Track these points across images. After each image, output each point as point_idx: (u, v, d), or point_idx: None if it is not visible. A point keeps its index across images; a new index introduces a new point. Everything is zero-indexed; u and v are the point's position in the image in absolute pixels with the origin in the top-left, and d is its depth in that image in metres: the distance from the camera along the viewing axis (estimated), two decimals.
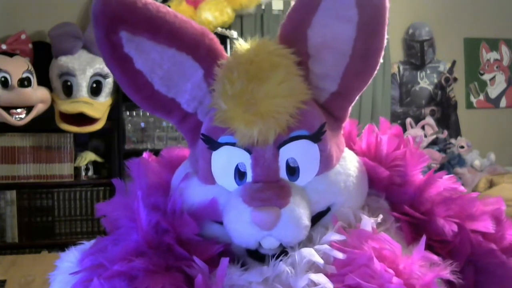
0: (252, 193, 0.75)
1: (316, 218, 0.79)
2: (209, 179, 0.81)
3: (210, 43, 0.82)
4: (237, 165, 0.79)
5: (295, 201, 0.75)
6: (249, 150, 0.77)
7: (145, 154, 0.96)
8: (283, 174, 0.78)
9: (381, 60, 0.81)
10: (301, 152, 0.78)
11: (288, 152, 0.78)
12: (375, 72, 0.82)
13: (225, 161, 0.79)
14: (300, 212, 0.75)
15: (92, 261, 0.79)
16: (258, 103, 0.75)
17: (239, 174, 0.79)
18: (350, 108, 0.87)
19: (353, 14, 0.76)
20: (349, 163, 0.84)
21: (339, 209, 0.80)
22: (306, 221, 0.76)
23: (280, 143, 0.77)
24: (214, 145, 0.79)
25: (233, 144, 0.78)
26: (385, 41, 0.79)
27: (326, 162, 0.80)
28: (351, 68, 0.80)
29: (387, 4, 0.77)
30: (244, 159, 0.78)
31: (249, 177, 0.78)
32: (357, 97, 0.85)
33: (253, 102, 0.75)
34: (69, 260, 0.86)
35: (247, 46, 0.81)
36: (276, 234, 0.74)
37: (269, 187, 0.76)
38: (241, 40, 0.82)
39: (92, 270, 0.78)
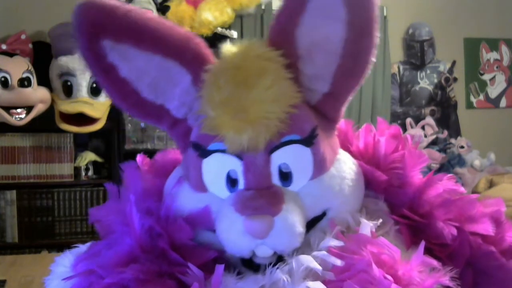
0: (244, 201, 0.74)
1: (312, 223, 0.78)
2: (201, 187, 0.79)
3: (196, 47, 0.80)
4: (228, 172, 0.77)
5: (288, 208, 0.74)
6: (240, 157, 0.76)
7: (138, 157, 0.94)
8: (275, 180, 0.76)
9: (373, 60, 0.79)
10: (293, 157, 0.76)
11: (280, 157, 0.76)
12: (367, 71, 0.80)
13: (216, 168, 0.78)
14: (293, 219, 0.73)
15: (85, 266, 0.79)
16: (246, 109, 0.73)
17: (231, 181, 0.77)
18: (343, 109, 0.85)
19: (341, 13, 0.75)
20: (344, 165, 0.82)
21: (338, 214, 0.79)
22: (300, 228, 0.74)
23: (272, 149, 0.75)
24: (204, 152, 0.78)
25: (223, 151, 0.76)
26: (377, 40, 0.78)
27: (320, 166, 0.78)
28: (342, 68, 0.78)
29: (377, 1, 0.76)
30: (235, 166, 0.76)
31: (241, 184, 0.76)
32: (350, 98, 0.83)
33: (241, 108, 0.73)
34: (63, 264, 0.86)
35: (234, 50, 0.79)
36: (270, 242, 0.73)
37: (261, 195, 0.74)
38: (228, 43, 0.81)
39: (84, 276, 0.77)
